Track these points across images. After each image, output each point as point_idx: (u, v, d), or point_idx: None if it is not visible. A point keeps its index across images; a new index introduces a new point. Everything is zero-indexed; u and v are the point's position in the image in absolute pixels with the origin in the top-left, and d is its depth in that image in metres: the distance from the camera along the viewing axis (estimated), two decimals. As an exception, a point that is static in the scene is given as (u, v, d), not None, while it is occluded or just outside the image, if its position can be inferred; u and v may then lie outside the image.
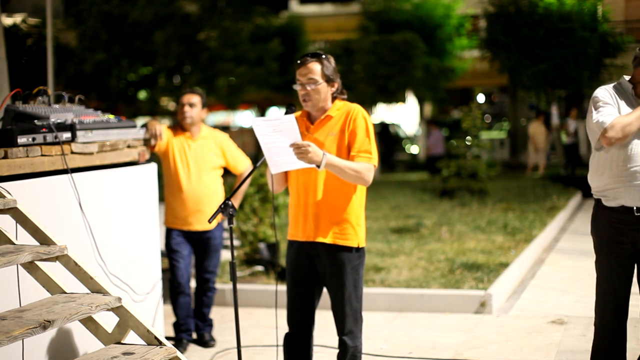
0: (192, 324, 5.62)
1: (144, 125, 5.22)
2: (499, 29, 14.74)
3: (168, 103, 21.32)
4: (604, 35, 13.71)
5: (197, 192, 5.42)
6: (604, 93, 3.74)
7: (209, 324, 5.68)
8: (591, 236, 3.89)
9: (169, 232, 5.53)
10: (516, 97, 22.10)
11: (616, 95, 3.73)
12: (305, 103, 3.77)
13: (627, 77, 3.81)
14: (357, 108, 3.79)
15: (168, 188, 5.50)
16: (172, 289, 5.51)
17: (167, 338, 5.60)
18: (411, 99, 24.21)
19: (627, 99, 3.72)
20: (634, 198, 3.63)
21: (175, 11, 17.44)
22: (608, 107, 3.68)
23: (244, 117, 32.56)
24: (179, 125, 5.57)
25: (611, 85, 3.80)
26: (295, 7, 27.46)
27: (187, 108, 5.45)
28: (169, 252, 5.53)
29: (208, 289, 5.65)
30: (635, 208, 3.64)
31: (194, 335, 5.67)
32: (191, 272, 5.71)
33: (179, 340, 5.54)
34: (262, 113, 27.37)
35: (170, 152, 5.44)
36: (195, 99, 5.47)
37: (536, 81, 14.53)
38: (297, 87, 3.77)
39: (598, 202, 3.81)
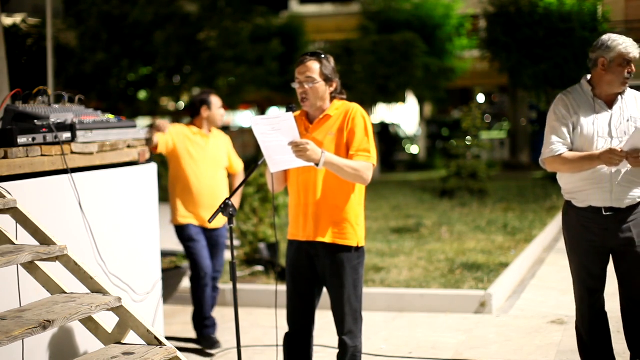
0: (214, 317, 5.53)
1: (151, 125, 5.22)
2: (499, 29, 14.71)
3: (168, 103, 21.31)
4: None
5: (213, 189, 5.44)
6: (562, 109, 3.86)
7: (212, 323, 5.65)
8: (563, 235, 4.06)
9: (183, 227, 5.44)
10: (516, 97, 22.07)
11: (575, 103, 3.86)
12: (304, 102, 3.77)
13: (589, 76, 3.94)
14: (355, 107, 3.79)
15: (180, 185, 5.46)
16: (197, 281, 5.39)
17: (190, 340, 5.57)
18: (411, 99, 24.20)
19: (587, 102, 3.86)
20: (602, 199, 3.80)
21: (175, 11, 17.44)
22: (562, 130, 3.83)
23: (244, 117, 32.57)
24: (191, 123, 5.60)
25: (573, 88, 3.94)
26: (295, 7, 27.45)
27: (224, 110, 5.60)
28: (188, 243, 5.43)
29: (214, 289, 5.61)
30: (603, 208, 3.80)
31: (194, 335, 5.66)
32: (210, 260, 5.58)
33: (209, 338, 5.42)
34: (262, 113, 27.36)
35: (184, 150, 5.44)
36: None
37: (536, 81, 14.51)
38: (295, 85, 3.78)
39: (568, 202, 3.97)
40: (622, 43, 3.78)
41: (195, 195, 5.43)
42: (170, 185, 5.54)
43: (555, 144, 3.83)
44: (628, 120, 3.81)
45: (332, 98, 3.83)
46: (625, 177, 3.78)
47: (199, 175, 5.44)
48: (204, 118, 5.55)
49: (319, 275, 3.83)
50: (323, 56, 3.78)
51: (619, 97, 3.87)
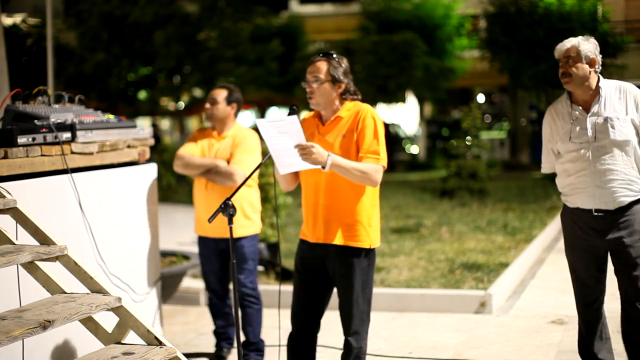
0: (233, 332, 5.31)
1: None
2: (499, 29, 14.71)
3: (168, 103, 21.32)
4: (604, 35, 13.69)
5: (224, 195, 4.91)
6: (546, 127, 4.03)
7: (250, 343, 5.22)
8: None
9: (199, 239, 5.29)
10: (516, 97, 22.07)
11: (558, 114, 3.97)
12: (310, 101, 3.77)
13: None
14: (366, 108, 3.76)
15: (195, 193, 5.22)
16: (208, 298, 5.37)
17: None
18: (411, 99, 24.21)
19: (566, 112, 3.93)
20: (588, 202, 3.87)
21: (175, 11, 17.47)
22: (547, 152, 4.04)
23: (244, 117, 32.56)
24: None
25: (560, 97, 4.03)
26: (295, 7, 27.44)
27: (207, 105, 5.18)
28: (200, 258, 5.34)
29: (242, 306, 5.20)
30: (593, 209, 3.87)
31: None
32: (224, 277, 5.37)
33: (219, 348, 5.36)
34: (262, 113, 27.36)
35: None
36: (220, 95, 5.14)
37: (536, 81, 14.51)
38: (304, 84, 3.79)
39: (564, 202, 4.07)
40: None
41: (204, 203, 5.14)
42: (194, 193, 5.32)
43: (545, 163, 4.11)
44: (605, 121, 3.80)
45: (344, 99, 3.81)
46: (604, 179, 3.81)
47: (206, 182, 5.11)
48: None
49: (330, 275, 3.81)
50: (334, 57, 3.77)
51: (598, 97, 3.85)
